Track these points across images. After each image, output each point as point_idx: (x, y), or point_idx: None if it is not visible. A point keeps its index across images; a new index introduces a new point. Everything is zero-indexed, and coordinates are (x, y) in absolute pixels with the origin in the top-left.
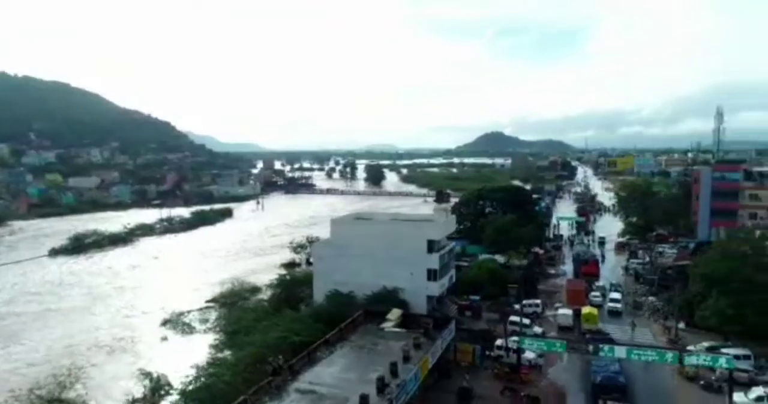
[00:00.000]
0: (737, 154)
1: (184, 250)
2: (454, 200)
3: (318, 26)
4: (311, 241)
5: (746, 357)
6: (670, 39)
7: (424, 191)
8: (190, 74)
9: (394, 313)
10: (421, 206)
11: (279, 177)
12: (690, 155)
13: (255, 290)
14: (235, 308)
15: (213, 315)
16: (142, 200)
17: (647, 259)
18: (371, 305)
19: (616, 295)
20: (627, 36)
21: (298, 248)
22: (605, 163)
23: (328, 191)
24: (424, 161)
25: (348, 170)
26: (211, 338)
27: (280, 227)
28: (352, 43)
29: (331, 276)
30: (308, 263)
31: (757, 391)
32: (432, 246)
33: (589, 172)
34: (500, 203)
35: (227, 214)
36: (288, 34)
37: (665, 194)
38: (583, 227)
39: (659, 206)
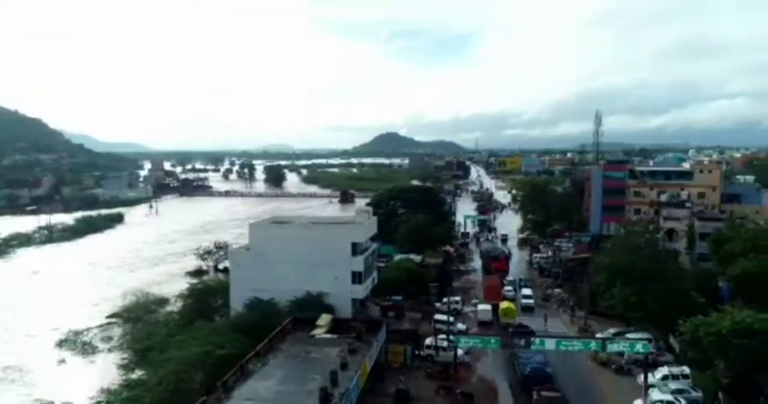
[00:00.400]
0: (611, 154)
1: (72, 261)
2: (359, 201)
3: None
4: (219, 247)
5: (648, 341)
6: (548, 47)
7: (328, 191)
8: (62, 67)
9: (324, 319)
10: (326, 207)
11: (172, 179)
12: (569, 155)
13: (162, 302)
14: (142, 322)
15: (117, 332)
16: (13, 206)
17: (549, 253)
18: (295, 311)
19: (527, 291)
20: (511, 43)
21: (205, 254)
22: (496, 163)
23: (228, 194)
24: (323, 161)
25: (246, 171)
26: (118, 357)
27: (177, 233)
28: (243, 41)
29: (249, 283)
30: (217, 270)
31: (663, 371)
32: (356, 249)
33: (482, 171)
34: (411, 203)
35: (118, 219)
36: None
37: (560, 191)
38: (485, 224)
39: (555, 204)
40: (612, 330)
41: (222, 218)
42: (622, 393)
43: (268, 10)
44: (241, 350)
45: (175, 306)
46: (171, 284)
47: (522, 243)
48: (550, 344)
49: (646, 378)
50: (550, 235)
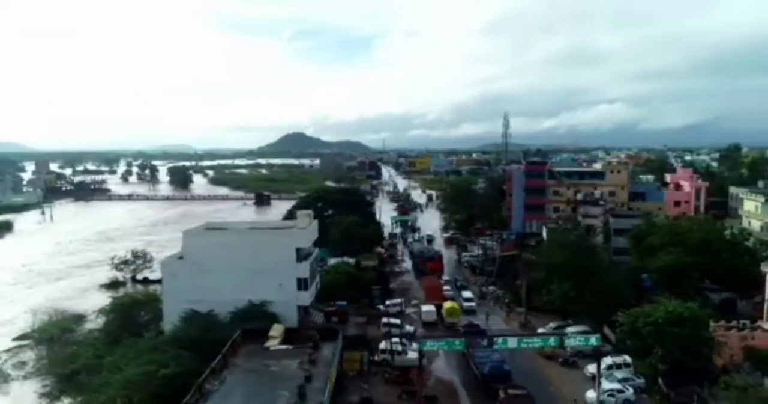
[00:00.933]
0: (513, 155)
1: None
2: (275, 203)
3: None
4: (137, 256)
5: (587, 333)
6: (449, 52)
7: (240, 193)
8: None
9: (277, 329)
10: (241, 209)
11: (64, 182)
12: (474, 155)
13: (78, 319)
14: (59, 343)
15: (30, 356)
16: None
17: (478, 252)
18: (237, 322)
19: (468, 294)
20: (414, 46)
21: (121, 264)
22: (406, 163)
23: (130, 197)
24: (229, 161)
25: (147, 172)
26: (37, 384)
27: (78, 243)
28: (136, 37)
29: (185, 295)
30: (135, 281)
31: (607, 361)
32: (301, 254)
33: (393, 171)
34: (338, 204)
35: (5, 228)
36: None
37: (481, 192)
38: (407, 225)
39: (477, 203)
40: (552, 324)
41: (127, 224)
42: (572, 383)
43: (165, 5)
44: (186, 368)
45: (95, 323)
46: (83, 299)
47: (448, 242)
48: (512, 342)
49: (599, 369)
50: (473, 234)
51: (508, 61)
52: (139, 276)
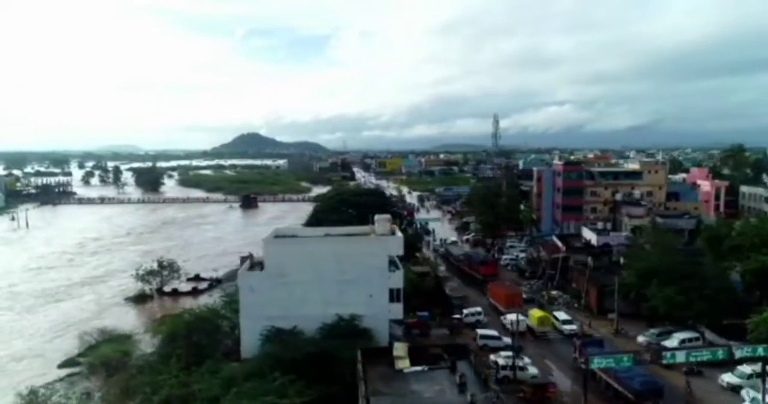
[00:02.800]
0: (477, 156)
1: None
2: (262, 205)
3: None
4: (164, 266)
5: (696, 339)
6: (403, 53)
7: (218, 196)
8: None
9: (401, 348)
10: (229, 212)
11: (25, 185)
12: (441, 156)
13: (126, 339)
14: (121, 370)
15: (89, 385)
16: None
17: (516, 254)
18: (327, 340)
19: (564, 316)
20: (368, 47)
21: (147, 275)
22: (375, 164)
23: (102, 201)
24: (185, 162)
25: (110, 174)
26: None
27: (60, 255)
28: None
29: (264, 311)
30: (162, 293)
31: (745, 369)
32: (394, 263)
33: (362, 173)
34: (364, 206)
35: None
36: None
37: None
38: (423, 227)
39: (502, 204)
40: (654, 330)
41: (107, 232)
42: (710, 393)
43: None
44: (311, 397)
45: (148, 346)
46: (109, 316)
47: (473, 245)
48: (680, 356)
49: (764, 381)
50: (497, 236)
51: (462, 63)
52: (167, 288)
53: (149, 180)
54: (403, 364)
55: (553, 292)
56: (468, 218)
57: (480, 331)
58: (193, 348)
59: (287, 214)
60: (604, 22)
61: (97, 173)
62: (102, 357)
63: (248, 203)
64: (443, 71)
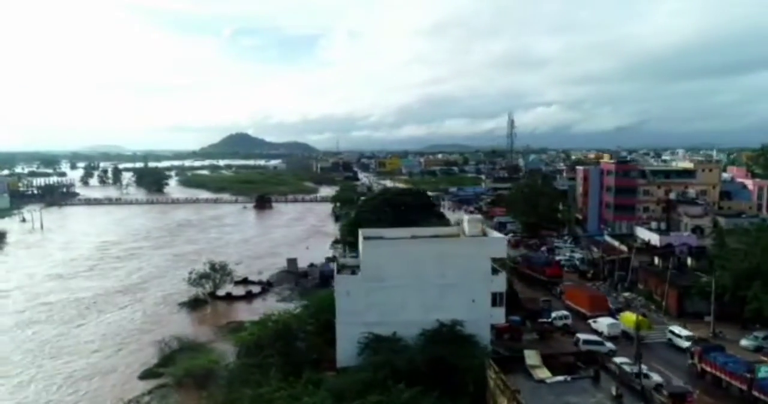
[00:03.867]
0: (474, 156)
1: None
2: (276, 206)
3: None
4: (216, 269)
5: None
6: (393, 53)
7: (225, 196)
8: None
9: (533, 357)
10: (243, 213)
11: (28, 185)
12: (440, 156)
13: (200, 349)
14: (210, 383)
15: (180, 399)
16: None
17: (570, 254)
18: (430, 347)
19: (684, 331)
20: (358, 47)
21: (201, 279)
22: (375, 164)
23: (111, 202)
24: (179, 163)
25: (110, 174)
26: None
27: (83, 261)
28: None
29: (361, 317)
30: (215, 297)
31: None
32: (497, 266)
33: (362, 173)
34: (409, 207)
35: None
36: None
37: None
38: None
39: (544, 204)
40: (758, 334)
41: (124, 235)
42: None
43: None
44: None
45: (228, 353)
46: (168, 324)
47: (514, 245)
48: None
49: None
50: (539, 236)
51: (451, 64)
52: (221, 292)
53: (153, 181)
54: (543, 374)
55: (626, 294)
56: (500, 218)
57: (581, 336)
58: (283, 357)
59: (304, 215)
60: (592, 24)
61: (96, 173)
62: (188, 368)
63: (262, 204)
64: (432, 72)
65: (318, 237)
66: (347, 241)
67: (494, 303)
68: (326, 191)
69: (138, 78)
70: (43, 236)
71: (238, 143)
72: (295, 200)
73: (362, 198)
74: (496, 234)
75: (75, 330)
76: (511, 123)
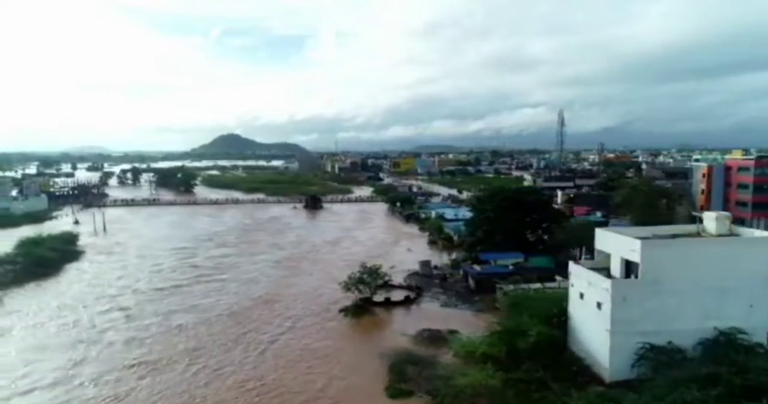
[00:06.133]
0: (481, 156)
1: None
2: (326, 206)
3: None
4: (370, 273)
5: None
6: (382, 54)
7: (260, 196)
8: None
9: None
10: (299, 214)
11: (60, 186)
12: (450, 156)
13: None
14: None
15: None
16: None
17: None
18: (707, 359)
19: None
20: (346, 47)
21: (358, 284)
22: (389, 163)
23: (150, 203)
24: (178, 163)
25: (129, 175)
26: None
27: (174, 270)
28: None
29: (636, 325)
30: (371, 303)
31: None
32: None
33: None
34: (532, 206)
35: (70, 242)
36: None
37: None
38: None
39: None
40: None
41: (190, 238)
42: None
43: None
44: None
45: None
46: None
47: None
48: None
49: None
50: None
51: (442, 65)
52: (378, 298)
53: (181, 182)
54: None
55: None
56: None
57: None
58: (549, 370)
59: (361, 215)
60: (583, 25)
61: (115, 174)
62: (462, 384)
63: (314, 204)
64: (422, 72)
65: (404, 238)
66: (475, 243)
67: None
68: (359, 191)
69: (121, 79)
70: (107, 239)
71: (229, 144)
72: (338, 201)
73: (473, 198)
74: (758, 233)
75: (247, 353)
76: (561, 121)
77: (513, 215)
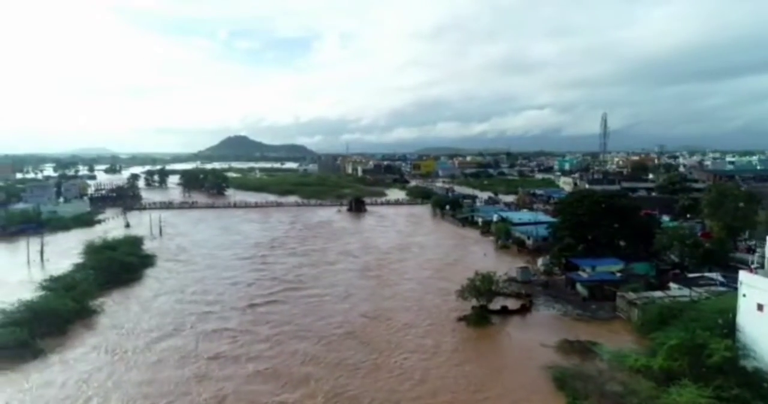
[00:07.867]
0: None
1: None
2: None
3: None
4: (483, 277)
5: None
6: (387, 56)
7: (295, 198)
8: None
9: None
10: (345, 217)
11: (96, 188)
12: (468, 158)
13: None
14: None
15: None
16: None
17: None
18: None
19: None
20: (351, 50)
21: (474, 291)
22: (409, 166)
23: (190, 206)
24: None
25: (156, 177)
26: None
27: (261, 282)
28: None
29: None
30: (488, 312)
31: None
32: None
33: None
34: (622, 210)
35: (138, 246)
36: None
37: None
38: None
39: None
40: None
41: (244, 244)
42: None
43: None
44: None
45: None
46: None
47: None
48: None
49: None
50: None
51: (447, 67)
52: (495, 306)
53: (213, 184)
54: None
55: None
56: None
57: None
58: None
59: (408, 218)
60: (588, 28)
61: (142, 176)
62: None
63: (358, 207)
64: (427, 75)
65: (469, 243)
66: (565, 248)
67: None
68: (390, 193)
69: (124, 81)
70: (167, 244)
71: (237, 146)
72: (378, 204)
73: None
74: None
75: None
76: (605, 123)
77: (607, 219)
